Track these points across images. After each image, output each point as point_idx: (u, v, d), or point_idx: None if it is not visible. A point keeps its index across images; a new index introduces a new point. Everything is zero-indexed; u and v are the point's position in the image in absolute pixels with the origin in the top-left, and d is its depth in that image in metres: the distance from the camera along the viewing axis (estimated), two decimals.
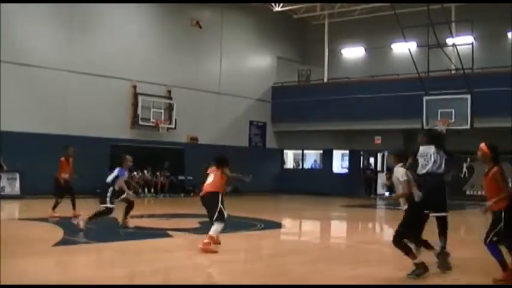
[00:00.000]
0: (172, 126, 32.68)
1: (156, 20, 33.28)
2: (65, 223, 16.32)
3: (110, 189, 15.18)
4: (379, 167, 39.68)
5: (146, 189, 31.09)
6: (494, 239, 9.59)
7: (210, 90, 35.18)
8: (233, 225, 17.95)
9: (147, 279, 9.54)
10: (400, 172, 10.36)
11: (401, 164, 10.43)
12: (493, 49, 34.76)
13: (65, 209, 18.28)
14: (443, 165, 12.09)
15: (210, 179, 12.73)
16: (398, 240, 10.07)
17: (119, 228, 16.01)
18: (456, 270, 11.10)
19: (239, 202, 27.98)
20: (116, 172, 15.32)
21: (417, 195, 10.38)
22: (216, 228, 12.16)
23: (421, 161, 12.18)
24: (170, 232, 15.17)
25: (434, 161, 12.07)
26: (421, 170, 12.05)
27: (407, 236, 10.12)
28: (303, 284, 9.79)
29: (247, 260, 11.94)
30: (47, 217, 17.87)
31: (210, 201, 12.47)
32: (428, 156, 12.14)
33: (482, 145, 9.98)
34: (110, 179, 15.22)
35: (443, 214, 11.82)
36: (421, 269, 10.09)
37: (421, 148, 12.38)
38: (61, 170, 19.01)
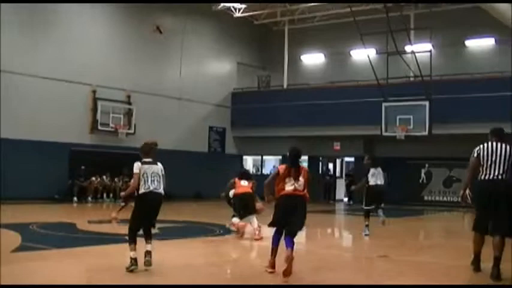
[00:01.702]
0: (132, 131, 32.46)
1: (116, 25, 33.04)
2: (23, 229, 16.10)
3: None
4: (338, 173, 39.91)
5: (105, 195, 30.89)
6: None
7: (170, 95, 34.99)
8: (193, 231, 17.91)
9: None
10: None
11: None
12: (451, 57, 35.18)
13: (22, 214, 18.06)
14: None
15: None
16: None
17: (77, 233, 15.88)
18: (415, 274, 11.21)
19: (199, 208, 27.96)
20: None
21: None
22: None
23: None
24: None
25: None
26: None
27: None
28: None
29: (205, 265, 11.87)
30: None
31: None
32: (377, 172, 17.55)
33: None
34: None
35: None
36: None
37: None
38: None
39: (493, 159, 10.35)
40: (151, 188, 10.73)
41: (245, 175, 18.15)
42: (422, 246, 17.46)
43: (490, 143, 10.59)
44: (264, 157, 40.96)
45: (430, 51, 30.45)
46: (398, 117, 30.21)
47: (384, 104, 30.58)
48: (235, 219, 16.66)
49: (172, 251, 13.00)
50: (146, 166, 10.88)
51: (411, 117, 29.95)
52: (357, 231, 20.50)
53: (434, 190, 35.12)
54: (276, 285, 9.36)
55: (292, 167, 10.72)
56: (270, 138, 37.18)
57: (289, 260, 9.85)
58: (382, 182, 17.64)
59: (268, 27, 40.36)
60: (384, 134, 30.64)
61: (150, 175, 10.83)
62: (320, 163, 39.06)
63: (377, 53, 34.03)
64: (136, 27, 33.47)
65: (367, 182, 17.53)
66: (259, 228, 15.88)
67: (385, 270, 11.80)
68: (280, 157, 39.84)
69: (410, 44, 31.45)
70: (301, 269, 11.24)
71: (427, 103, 29.52)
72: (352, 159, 38.51)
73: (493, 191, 10.29)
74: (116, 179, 31.49)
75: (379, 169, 17.76)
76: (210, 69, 38.52)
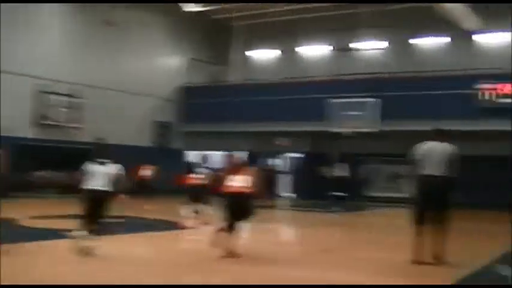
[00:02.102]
0: (80, 125, 32.09)
1: (66, 18, 32.52)
2: None
3: None
4: (283, 169, 39.80)
5: (52, 190, 30.49)
6: None
7: (119, 89, 34.61)
8: (137, 226, 17.76)
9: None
10: None
11: None
12: (401, 54, 35.37)
13: None
14: None
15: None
16: None
17: (13, 228, 15.65)
18: (357, 268, 11.22)
19: (142, 203, 27.74)
20: None
21: None
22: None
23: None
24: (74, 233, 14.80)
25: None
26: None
27: None
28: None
29: (148, 262, 11.73)
30: None
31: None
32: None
33: None
34: None
35: None
36: None
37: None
38: None
39: (432, 157, 11.14)
40: (94, 185, 11.72)
41: (192, 166, 18.92)
42: (364, 241, 17.50)
43: (430, 142, 11.40)
44: (210, 152, 40.84)
45: (381, 48, 30.66)
46: (348, 113, 30.30)
47: (334, 100, 30.66)
48: (185, 210, 17.92)
49: (114, 247, 12.82)
50: (95, 165, 11.94)
51: (361, 113, 30.08)
52: (301, 225, 20.61)
53: (379, 186, 35.32)
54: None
55: (239, 166, 12.11)
56: (219, 133, 37.03)
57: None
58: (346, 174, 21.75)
59: (219, 22, 40.14)
60: (332, 130, 30.72)
61: (97, 173, 11.83)
62: (266, 158, 38.90)
63: (328, 49, 34.13)
64: (85, 20, 33.03)
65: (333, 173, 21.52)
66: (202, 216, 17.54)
67: (326, 264, 11.80)
68: (226, 152, 39.76)
69: (361, 41, 31.65)
70: (246, 264, 11.20)
71: (376, 100, 29.69)
72: (299, 154, 38.48)
73: (432, 186, 11.10)
74: (63, 174, 31.05)
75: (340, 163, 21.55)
76: (161, 63, 38.25)
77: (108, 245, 12.27)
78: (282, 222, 24.78)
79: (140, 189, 24.08)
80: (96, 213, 11.85)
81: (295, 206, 31.22)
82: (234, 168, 12.11)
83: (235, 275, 10.36)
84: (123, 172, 12.15)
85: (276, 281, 9.83)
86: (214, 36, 41.31)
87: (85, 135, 32.04)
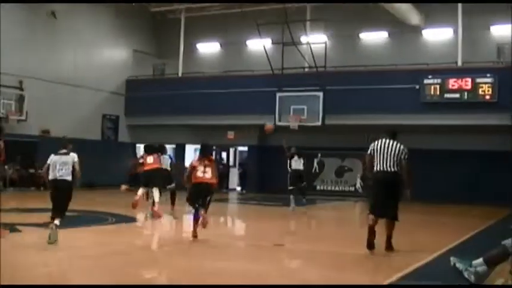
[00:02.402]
0: (23, 118, 31.64)
1: (9, 9, 31.91)
2: None
3: None
4: (231, 162, 39.98)
5: None
6: None
7: (63, 82, 34.15)
8: (85, 219, 17.64)
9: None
10: None
11: None
12: (345, 49, 35.67)
13: None
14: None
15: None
16: None
17: None
18: (309, 262, 11.37)
19: (92, 196, 27.55)
20: None
21: None
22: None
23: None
24: (20, 227, 14.69)
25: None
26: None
27: None
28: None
29: (98, 255, 11.71)
30: None
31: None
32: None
33: None
34: None
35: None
36: None
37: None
38: None
39: (385, 154, 12.10)
40: (57, 175, 12.73)
41: (150, 149, 19.24)
42: (314, 235, 17.71)
43: (383, 140, 12.32)
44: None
45: (325, 42, 30.89)
46: (292, 107, 30.47)
47: (278, 94, 30.80)
48: (140, 191, 18.72)
49: (65, 241, 12.75)
50: (57, 157, 12.98)
51: (305, 107, 30.26)
52: (252, 219, 20.69)
53: (326, 179, 35.62)
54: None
55: (202, 158, 13.75)
56: (164, 127, 36.90)
57: (205, 221, 13.62)
58: (301, 168, 23.88)
59: (164, 15, 39.92)
60: (278, 123, 30.83)
61: (59, 164, 12.84)
62: (214, 152, 38.97)
63: (273, 43, 34.21)
64: (29, 12, 32.54)
65: (290, 166, 23.49)
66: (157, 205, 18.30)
67: (277, 259, 11.92)
68: (174, 145, 39.66)
69: (306, 35, 31.82)
70: (199, 259, 11.24)
71: (321, 94, 29.90)
72: (245, 148, 38.62)
73: (385, 180, 12.10)
74: (6, 167, 30.64)
75: (297, 157, 23.58)
76: (105, 56, 37.91)
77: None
78: (232, 215, 24.87)
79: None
80: (59, 202, 12.79)
81: (244, 199, 31.31)
82: (205, 160, 13.73)
83: (184, 270, 10.39)
84: (77, 161, 13.12)
85: (226, 275, 9.90)
86: (157, 29, 41.16)
87: (30, 128, 31.77)
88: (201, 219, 13.54)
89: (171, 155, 23.18)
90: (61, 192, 12.80)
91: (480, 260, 8.69)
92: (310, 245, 14.01)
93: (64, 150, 13.15)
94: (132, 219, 18.53)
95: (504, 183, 28.09)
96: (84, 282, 9.10)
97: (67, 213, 14.22)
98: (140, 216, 19.30)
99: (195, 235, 13.64)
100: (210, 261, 11.34)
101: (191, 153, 37.47)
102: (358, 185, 34.43)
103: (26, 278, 8.96)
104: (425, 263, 11.22)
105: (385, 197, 12.10)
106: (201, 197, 13.63)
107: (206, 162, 13.69)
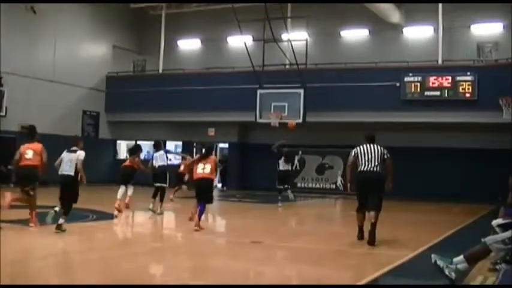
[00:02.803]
0: (3, 114, 31.38)
1: None
2: None
3: None
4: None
5: None
6: None
7: (43, 77, 33.96)
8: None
9: None
10: None
11: None
12: (326, 46, 35.72)
13: None
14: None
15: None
16: None
17: None
18: (286, 259, 11.36)
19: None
20: None
21: None
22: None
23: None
24: (1, 224, 14.54)
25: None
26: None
27: None
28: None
29: (79, 252, 11.65)
30: None
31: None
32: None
33: None
34: None
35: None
36: None
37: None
38: None
39: (368, 156, 13.42)
40: (63, 171, 13.91)
41: (130, 151, 20.26)
42: (295, 232, 17.71)
43: (365, 145, 13.63)
44: (138, 142, 40.52)
45: (306, 40, 30.92)
46: (273, 104, 30.49)
47: (259, 91, 30.81)
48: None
49: (43, 237, 12.67)
50: (66, 154, 14.17)
51: (286, 104, 30.28)
52: (232, 216, 20.67)
53: (307, 177, 35.65)
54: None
55: (202, 157, 15.63)
56: (145, 123, 36.84)
57: (200, 213, 15.05)
58: (288, 168, 25.94)
59: (144, 11, 39.73)
60: (259, 120, 30.88)
61: (65, 161, 14.01)
62: (194, 149, 38.81)
63: (253, 40, 34.22)
64: (7, 6, 32.25)
65: (279, 166, 25.50)
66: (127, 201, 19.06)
67: (258, 256, 11.90)
68: (153, 142, 39.54)
69: (287, 32, 31.81)
70: (178, 255, 11.19)
71: (301, 91, 29.94)
72: (226, 145, 38.56)
73: (369, 179, 13.37)
74: None
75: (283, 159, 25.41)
76: (85, 51, 37.69)
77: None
78: (210, 212, 24.80)
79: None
80: (63, 196, 13.99)
81: (225, 196, 31.24)
82: (203, 157, 15.54)
83: (164, 267, 10.35)
84: (82, 158, 14.16)
85: (205, 273, 9.88)
86: (138, 25, 41.03)
87: (9, 124, 31.54)
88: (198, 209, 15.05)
89: (168, 150, 24.30)
90: (64, 187, 13.97)
91: (461, 257, 8.72)
92: (290, 242, 14.00)
93: (74, 148, 14.27)
94: (111, 216, 18.45)
95: (486, 180, 28.36)
96: (64, 280, 9.03)
97: (46, 210, 14.20)
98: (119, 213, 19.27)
99: (196, 227, 14.81)
100: (190, 257, 11.32)
101: (172, 149, 37.38)
102: (339, 183, 34.50)
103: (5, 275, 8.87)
104: (406, 260, 11.23)
105: (369, 193, 13.30)
106: (201, 191, 15.31)
107: (207, 160, 15.48)
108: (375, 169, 13.38)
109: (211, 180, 15.84)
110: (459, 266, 8.68)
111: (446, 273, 8.68)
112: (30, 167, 14.69)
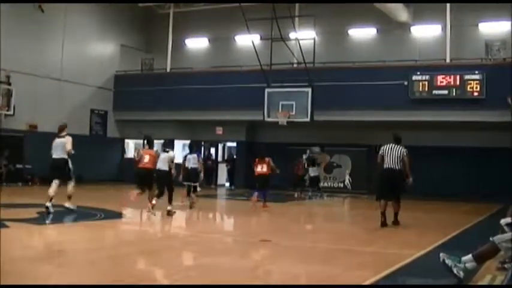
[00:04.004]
0: (11, 112, 31.46)
1: None
2: None
3: None
4: (220, 158, 39.90)
5: None
6: None
7: (51, 76, 33.98)
8: (73, 215, 17.54)
9: None
10: None
11: None
12: (333, 45, 35.71)
13: None
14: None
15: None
16: None
17: None
18: (294, 258, 11.36)
19: (79, 191, 27.40)
20: None
21: None
22: None
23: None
24: (8, 223, 14.58)
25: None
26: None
27: None
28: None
29: (87, 251, 11.66)
30: None
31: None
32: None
33: None
34: None
35: None
36: None
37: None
38: None
39: (391, 155, 16.60)
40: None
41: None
42: (303, 230, 17.72)
43: (389, 145, 16.79)
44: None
45: (314, 38, 30.86)
46: (280, 103, 30.43)
47: (266, 90, 30.76)
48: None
49: (50, 236, 12.71)
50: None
51: (293, 103, 30.21)
52: (240, 215, 20.67)
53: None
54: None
55: (258, 158, 23.02)
56: (153, 122, 36.83)
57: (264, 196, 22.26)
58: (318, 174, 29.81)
59: (152, 9, 39.83)
60: (267, 119, 30.84)
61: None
62: (202, 148, 38.87)
63: (261, 38, 34.20)
64: (15, 5, 32.29)
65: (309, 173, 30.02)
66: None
67: (266, 254, 11.91)
68: (162, 141, 39.57)
69: (295, 31, 31.80)
70: (186, 253, 11.20)
71: (309, 90, 29.86)
72: (234, 144, 38.59)
73: (391, 174, 16.55)
74: None
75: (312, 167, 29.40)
76: (93, 50, 37.74)
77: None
78: (219, 211, 24.83)
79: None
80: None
81: (232, 194, 31.24)
82: (259, 158, 22.96)
83: (173, 266, 10.36)
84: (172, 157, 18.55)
85: (213, 272, 9.89)
86: (146, 24, 41.06)
87: (17, 122, 31.61)
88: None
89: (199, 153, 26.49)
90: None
91: (469, 256, 8.72)
92: (298, 241, 14.00)
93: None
94: (121, 215, 18.50)
95: (494, 180, 28.30)
96: (73, 279, 9.04)
97: (53, 209, 14.25)
98: (127, 212, 19.29)
99: (265, 207, 21.82)
100: (201, 256, 11.34)
101: (180, 148, 37.46)
102: (347, 181, 34.48)
103: (8, 273, 8.89)
104: (414, 259, 11.22)
105: (391, 186, 16.57)
106: (260, 183, 22.82)
107: (261, 160, 22.82)
108: (395, 166, 16.48)
109: (267, 176, 22.74)
110: (467, 265, 8.68)
111: (455, 272, 8.68)
112: (146, 169, 18.46)
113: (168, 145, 20.24)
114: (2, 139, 29.65)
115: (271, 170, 22.84)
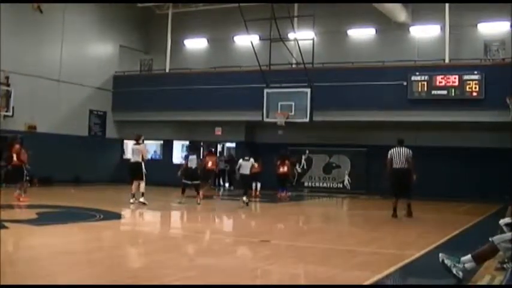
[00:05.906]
0: (10, 113, 31.45)
1: None
2: None
3: None
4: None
5: None
6: None
7: (50, 77, 33.97)
8: (72, 216, 17.55)
9: None
10: None
11: None
12: (332, 45, 35.73)
13: None
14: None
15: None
16: None
17: None
18: (293, 258, 11.37)
19: (78, 192, 27.45)
20: None
21: None
22: None
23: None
24: (7, 223, 14.57)
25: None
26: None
27: None
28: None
29: (87, 251, 11.66)
30: None
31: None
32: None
33: None
34: None
35: None
36: None
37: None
38: None
39: (398, 157, 19.22)
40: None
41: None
42: (303, 231, 17.70)
43: (396, 148, 19.43)
44: (146, 142, 40.50)
45: (313, 39, 30.88)
46: (279, 104, 30.48)
47: (265, 90, 30.81)
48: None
49: (50, 237, 12.69)
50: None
51: (292, 103, 30.27)
52: (240, 215, 20.67)
53: (314, 176, 35.62)
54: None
55: (280, 160, 27.47)
56: (152, 123, 36.82)
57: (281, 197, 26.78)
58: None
59: (151, 10, 39.84)
60: (266, 120, 30.88)
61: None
62: (201, 148, 38.83)
63: (260, 39, 34.20)
64: (14, 5, 32.26)
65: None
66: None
67: (266, 255, 11.90)
68: (161, 142, 39.64)
69: (294, 31, 31.79)
70: (186, 254, 11.19)
71: (308, 90, 29.91)
72: (233, 144, 38.59)
73: (400, 174, 19.16)
74: None
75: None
76: (92, 51, 37.73)
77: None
78: (218, 211, 24.83)
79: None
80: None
81: (232, 195, 31.23)
82: (281, 160, 27.96)
83: (172, 266, 10.36)
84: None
85: (212, 272, 9.89)
86: (144, 25, 41.06)
87: (16, 123, 31.58)
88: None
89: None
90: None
91: (468, 256, 8.72)
92: (297, 241, 14.00)
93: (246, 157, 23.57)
94: (120, 216, 18.49)
95: (493, 179, 28.30)
96: (72, 279, 9.04)
97: (51, 210, 14.22)
98: (126, 213, 19.29)
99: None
100: (200, 256, 11.34)
101: (179, 149, 37.47)
102: (346, 182, 34.49)
103: (8, 274, 8.89)
104: (413, 259, 11.22)
105: (401, 184, 19.13)
106: (282, 181, 28.36)
107: (284, 162, 27.96)
108: (403, 166, 19.08)
109: (288, 174, 28.36)
110: (467, 265, 8.69)
111: (454, 272, 8.69)
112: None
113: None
114: (1, 140, 29.58)
115: (290, 169, 28.80)
